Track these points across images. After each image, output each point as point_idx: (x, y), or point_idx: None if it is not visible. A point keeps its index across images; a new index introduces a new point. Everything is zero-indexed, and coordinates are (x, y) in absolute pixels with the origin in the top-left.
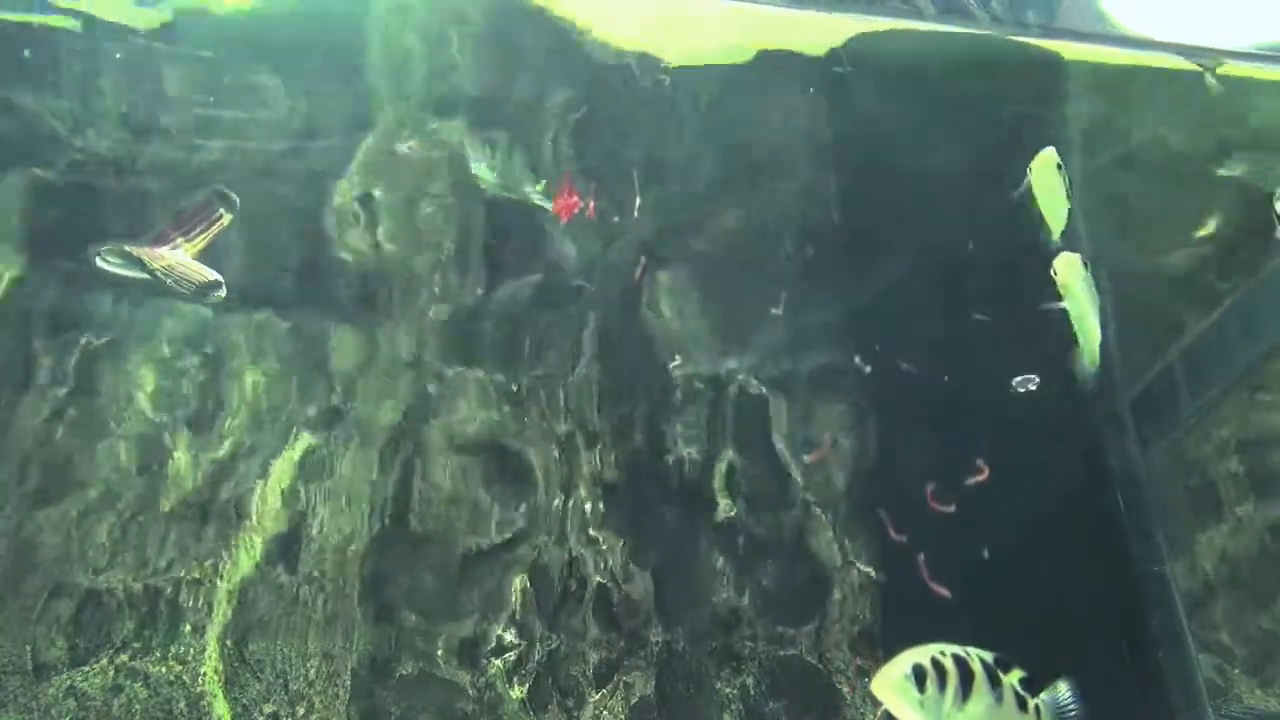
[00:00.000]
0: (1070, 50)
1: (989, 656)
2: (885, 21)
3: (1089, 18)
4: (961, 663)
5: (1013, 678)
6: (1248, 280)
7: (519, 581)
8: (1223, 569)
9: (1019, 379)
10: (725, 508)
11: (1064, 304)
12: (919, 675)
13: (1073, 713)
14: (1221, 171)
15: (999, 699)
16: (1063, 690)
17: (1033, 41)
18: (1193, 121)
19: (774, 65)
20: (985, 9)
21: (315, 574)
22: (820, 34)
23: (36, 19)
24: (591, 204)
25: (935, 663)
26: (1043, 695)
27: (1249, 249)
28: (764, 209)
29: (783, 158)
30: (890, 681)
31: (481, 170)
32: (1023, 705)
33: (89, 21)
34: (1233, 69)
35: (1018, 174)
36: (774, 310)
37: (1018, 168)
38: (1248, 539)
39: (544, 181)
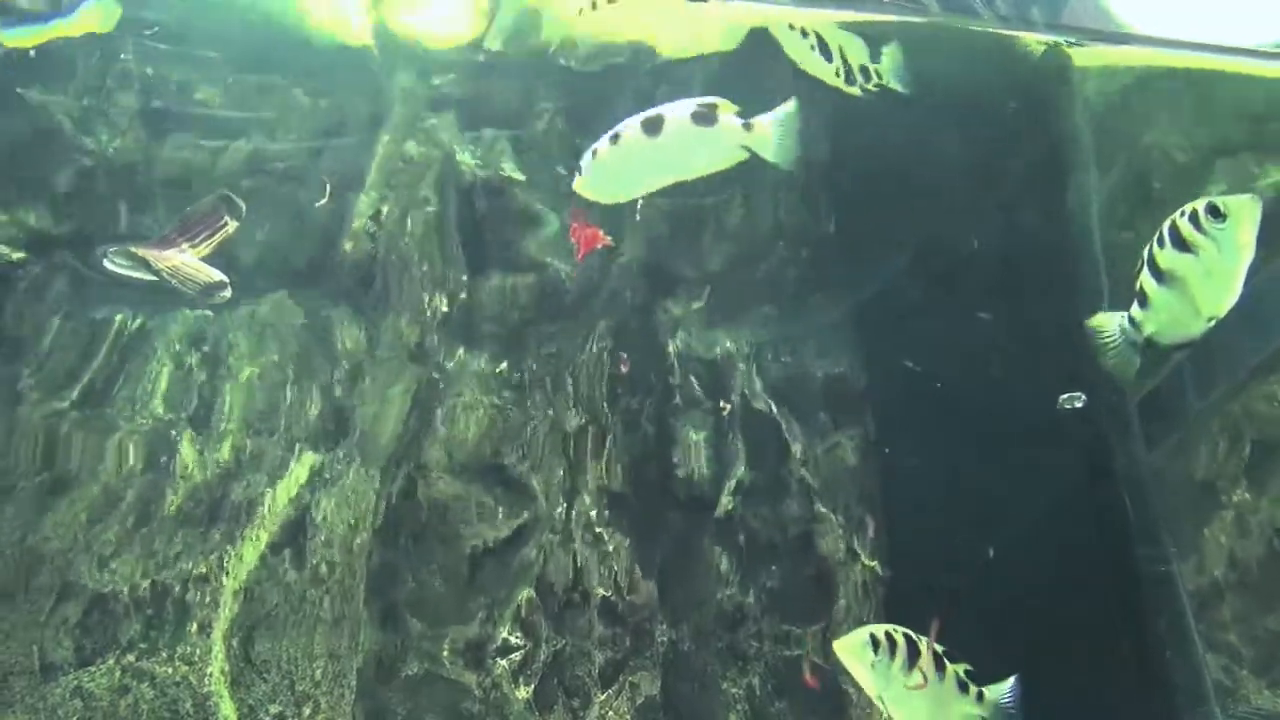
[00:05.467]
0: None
1: (938, 648)
2: (890, 18)
3: (1094, 15)
4: (911, 641)
5: (958, 668)
6: (1253, 278)
7: (525, 581)
8: (1230, 569)
9: (1066, 396)
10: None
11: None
12: (874, 643)
13: (1012, 709)
14: (1222, 169)
15: (941, 678)
16: (1007, 687)
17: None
18: (1198, 118)
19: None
20: (989, 6)
21: (322, 574)
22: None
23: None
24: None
25: (888, 635)
26: (989, 687)
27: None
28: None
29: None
30: (850, 645)
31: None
32: (964, 689)
33: None
34: (1240, 66)
35: None
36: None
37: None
38: (1255, 539)
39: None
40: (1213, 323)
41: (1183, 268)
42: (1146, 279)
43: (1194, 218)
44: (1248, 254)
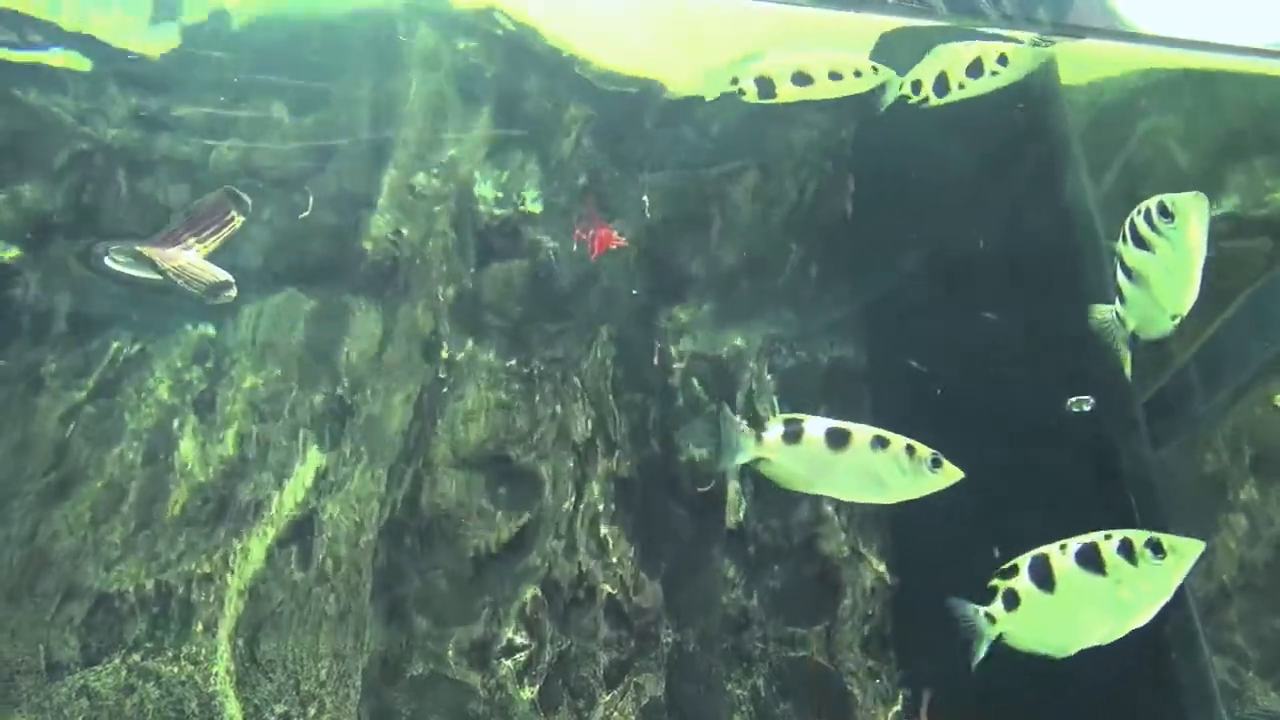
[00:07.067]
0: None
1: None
2: (897, 20)
3: (1100, 14)
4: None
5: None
6: (1261, 278)
7: (530, 581)
8: (1237, 571)
9: (1074, 399)
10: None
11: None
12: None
13: None
14: (1229, 168)
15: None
16: None
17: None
18: (1203, 117)
19: None
20: (996, 7)
21: (327, 573)
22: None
23: (38, 57)
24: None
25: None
26: None
27: (1260, 247)
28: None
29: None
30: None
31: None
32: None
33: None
34: (1244, 66)
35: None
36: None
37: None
38: (1262, 540)
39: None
40: (1177, 320)
41: (1145, 266)
42: (1120, 276)
43: (1148, 216)
44: (1199, 252)
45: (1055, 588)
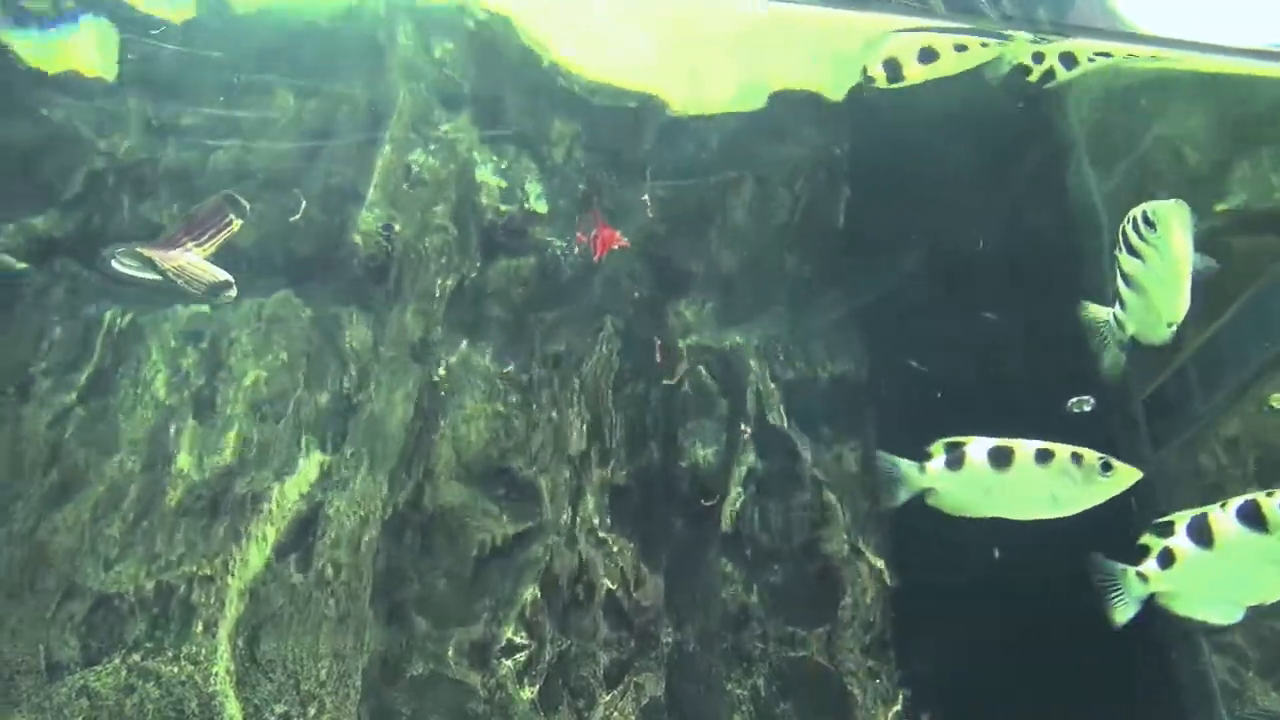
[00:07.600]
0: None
1: None
2: (897, 19)
3: (1101, 15)
4: None
5: None
6: (1260, 279)
7: (530, 581)
8: None
9: (1074, 399)
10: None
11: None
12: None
13: None
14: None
15: None
16: None
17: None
18: (1203, 117)
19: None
20: (995, 7)
21: (328, 574)
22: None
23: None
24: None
25: None
26: None
27: (1260, 247)
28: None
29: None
30: None
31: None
32: None
33: None
34: (1243, 68)
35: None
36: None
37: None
38: None
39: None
40: (1173, 328)
41: (1139, 273)
42: (1119, 281)
43: (1135, 225)
44: (1184, 259)
45: (1214, 545)
